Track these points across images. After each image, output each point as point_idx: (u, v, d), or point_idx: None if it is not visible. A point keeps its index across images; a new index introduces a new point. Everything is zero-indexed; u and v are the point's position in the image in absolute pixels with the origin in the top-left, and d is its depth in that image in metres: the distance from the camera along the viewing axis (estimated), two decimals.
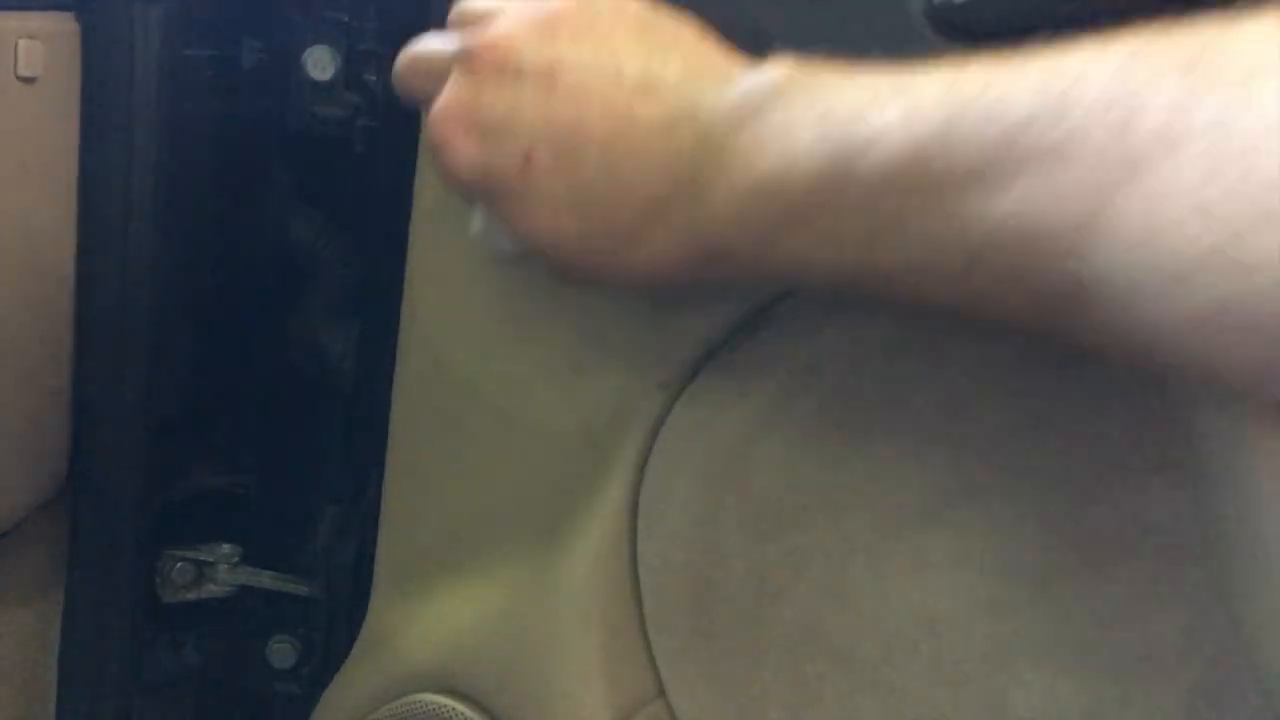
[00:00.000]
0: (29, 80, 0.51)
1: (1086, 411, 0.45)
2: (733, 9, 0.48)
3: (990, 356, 0.46)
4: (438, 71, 0.44)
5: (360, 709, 0.59)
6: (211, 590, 0.67)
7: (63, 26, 0.54)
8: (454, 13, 0.46)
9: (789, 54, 0.39)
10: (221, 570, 0.67)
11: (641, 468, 0.52)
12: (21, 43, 0.50)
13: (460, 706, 0.55)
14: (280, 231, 0.65)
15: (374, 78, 0.61)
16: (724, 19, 0.48)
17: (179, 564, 0.66)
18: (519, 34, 0.42)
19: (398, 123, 0.58)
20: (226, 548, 0.67)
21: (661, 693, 0.52)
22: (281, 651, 0.68)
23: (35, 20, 0.52)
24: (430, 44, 0.46)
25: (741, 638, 0.50)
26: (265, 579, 0.67)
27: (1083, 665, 0.45)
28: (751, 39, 0.48)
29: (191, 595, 0.67)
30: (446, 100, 0.43)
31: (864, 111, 0.35)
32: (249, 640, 0.68)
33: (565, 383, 0.52)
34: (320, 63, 0.60)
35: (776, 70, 0.39)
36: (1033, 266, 0.32)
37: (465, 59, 0.43)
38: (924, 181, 0.33)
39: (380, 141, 0.62)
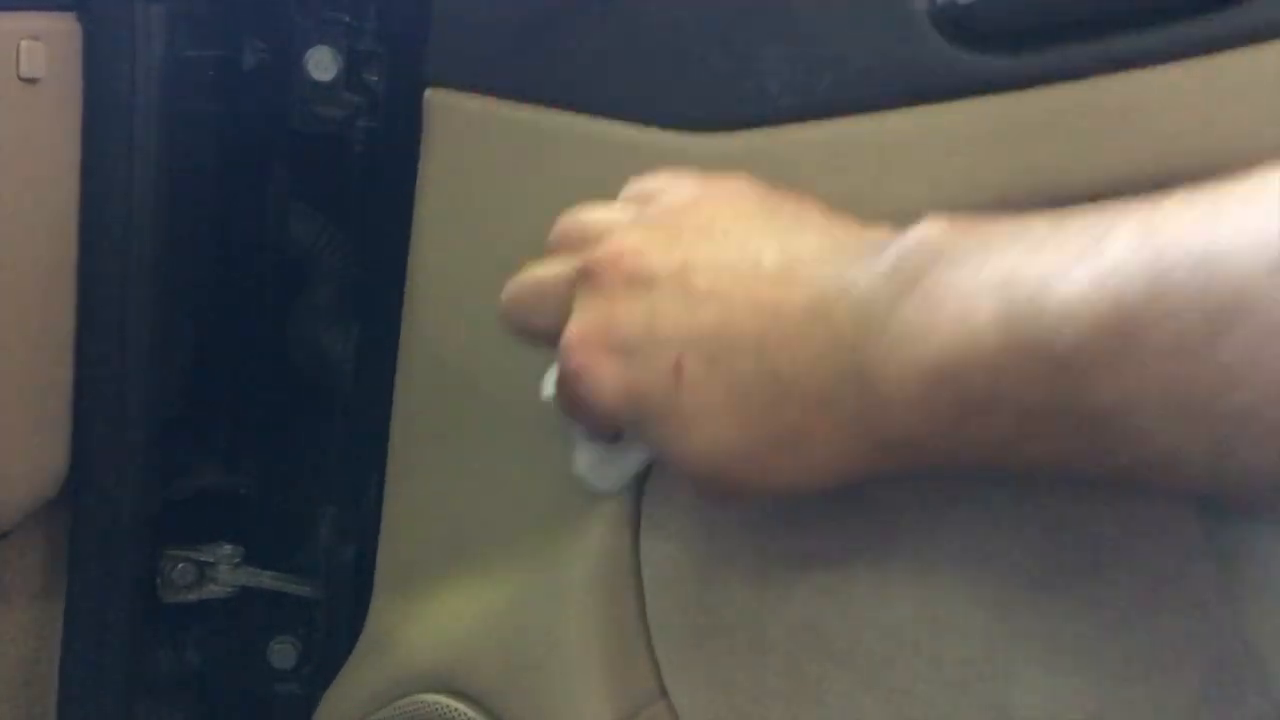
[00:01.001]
0: (31, 81, 0.51)
1: None
2: (733, 10, 0.48)
3: None
4: (555, 297, 0.41)
5: (361, 709, 0.59)
6: (212, 590, 0.67)
7: (65, 27, 0.54)
8: (556, 234, 0.43)
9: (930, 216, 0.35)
10: (222, 570, 0.67)
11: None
12: (23, 43, 0.51)
13: (462, 707, 0.55)
14: (281, 231, 0.65)
15: (375, 78, 0.61)
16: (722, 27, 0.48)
17: (180, 564, 0.66)
18: (642, 240, 0.39)
19: (398, 123, 0.58)
20: (227, 548, 0.67)
21: (664, 693, 0.52)
22: (282, 652, 0.68)
23: (37, 21, 0.52)
24: (538, 271, 0.43)
25: (744, 638, 0.50)
26: (266, 579, 0.67)
27: (1085, 666, 0.45)
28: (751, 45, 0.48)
29: (192, 596, 0.67)
30: (579, 324, 0.39)
31: (1049, 279, 0.30)
32: (250, 641, 0.68)
33: None
34: (321, 63, 0.60)
35: (931, 229, 0.35)
36: None
37: (589, 277, 0.39)
38: (1139, 360, 0.28)
39: (381, 142, 0.62)
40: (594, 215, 0.42)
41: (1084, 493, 0.46)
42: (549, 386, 0.45)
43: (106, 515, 0.62)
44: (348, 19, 0.61)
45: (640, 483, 0.52)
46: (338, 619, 0.67)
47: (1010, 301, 0.31)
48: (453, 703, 0.56)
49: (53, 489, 0.60)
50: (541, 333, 0.42)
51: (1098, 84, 0.43)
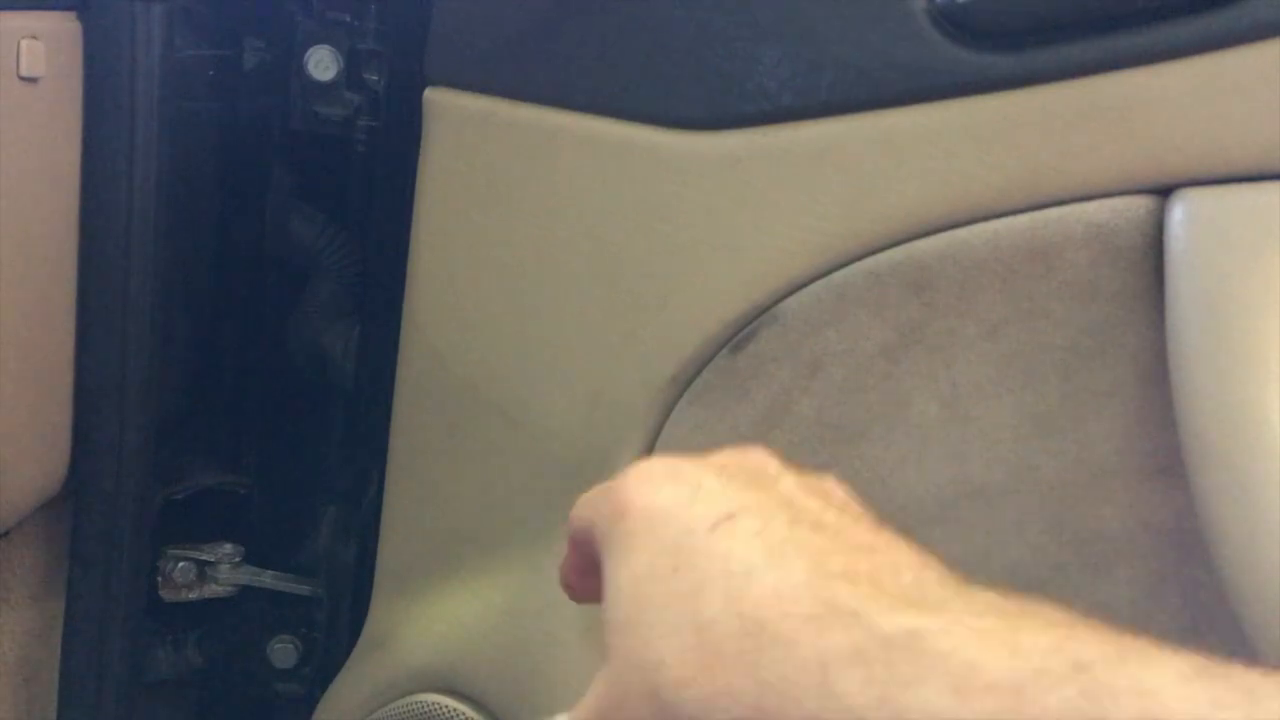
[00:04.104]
0: (31, 80, 0.51)
1: (1087, 411, 0.45)
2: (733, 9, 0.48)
3: (992, 357, 0.46)
4: None
5: (361, 708, 0.59)
6: (213, 590, 0.67)
7: (65, 26, 0.54)
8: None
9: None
10: (223, 570, 0.67)
11: None
12: (24, 42, 0.50)
13: (461, 706, 0.55)
14: (281, 231, 0.65)
15: (375, 78, 0.61)
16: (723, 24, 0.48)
17: (180, 563, 0.66)
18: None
19: (398, 123, 0.58)
20: (228, 547, 0.67)
21: None
22: (283, 651, 0.68)
23: (37, 20, 0.52)
24: None
25: None
26: (267, 579, 0.67)
27: None
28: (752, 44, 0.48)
29: (193, 595, 0.67)
30: None
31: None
32: (250, 640, 0.68)
33: (566, 383, 0.52)
34: (322, 63, 0.60)
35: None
36: None
37: None
38: None
39: (381, 141, 0.62)
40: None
41: (1085, 493, 0.46)
42: None
43: (107, 514, 0.62)
44: (348, 19, 0.61)
45: None
46: (338, 619, 0.67)
47: None
48: (452, 702, 0.56)
49: (53, 489, 0.60)
50: None
51: (1097, 83, 0.43)
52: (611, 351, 0.51)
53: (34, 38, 0.51)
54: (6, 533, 0.59)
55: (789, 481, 0.31)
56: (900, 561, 0.28)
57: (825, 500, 0.31)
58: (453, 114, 0.53)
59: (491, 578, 0.56)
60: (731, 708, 0.25)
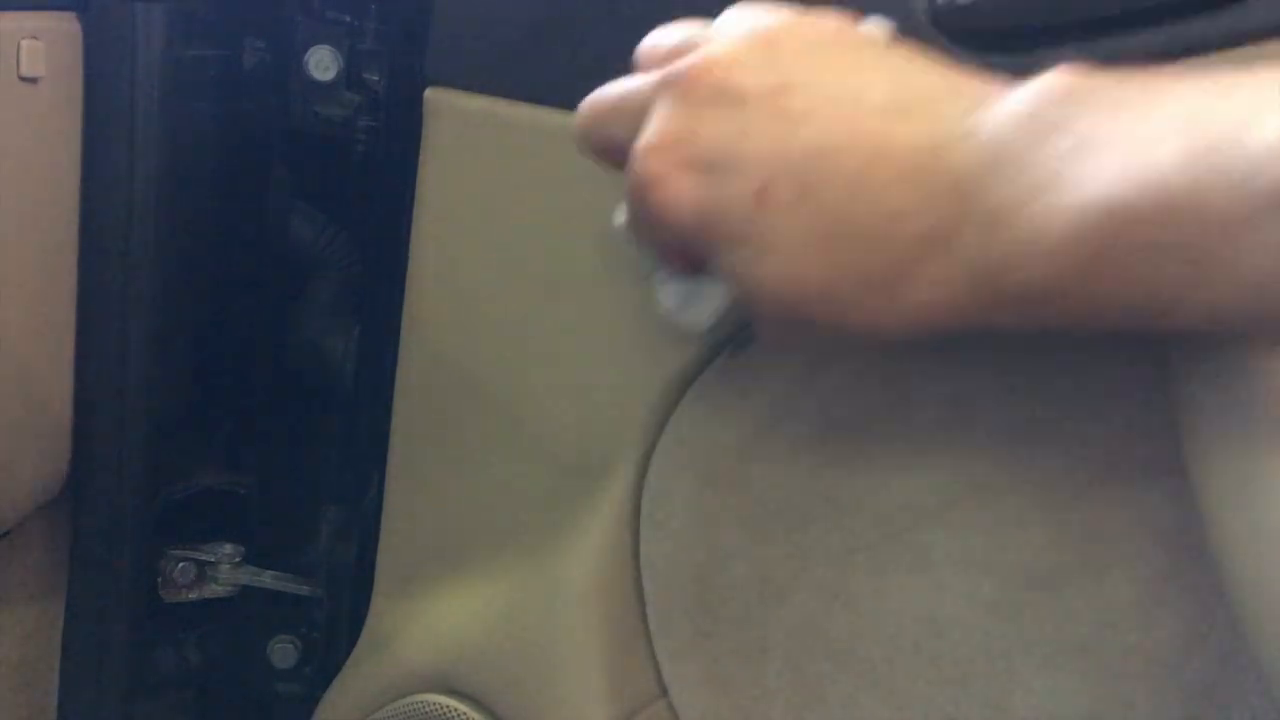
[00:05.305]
0: (31, 80, 0.51)
1: (1087, 411, 0.45)
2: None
3: (992, 356, 0.46)
4: (637, 110, 0.38)
5: (362, 709, 0.59)
6: (213, 590, 0.67)
7: (65, 26, 0.54)
8: (642, 51, 0.40)
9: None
10: (223, 570, 0.67)
11: (643, 467, 0.52)
12: (24, 43, 0.50)
13: (462, 707, 0.55)
14: (281, 231, 0.65)
15: (375, 78, 0.61)
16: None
17: (180, 564, 0.66)
18: (737, 54, 0.36)
19: (398, 123, 0.58)
20: (228, 547, 0.67)
21: (663, 693, 0.52)
22: (283, 651, 0.68)
23: (37, 20, 0.52)
24: (621, 83, 0.39)
25: (744, 638, 0.50)
26: (267, 579, 0.67)
27: (1085, 666, 0.45)
28: None
29: (193, 595, 0.67)
30: (657, 132, 0.36)
31: (1250, 120, 0.28)
32: (250, 640, 0.68)
33: (567, 382, 0.52)
34: (322, 63, 0.60)
35: (1069, 75, 0.32)
36: None
37: (675, 85, 0.36)
38: None
39: (382, 141, 0.62)
40: (683, 30, 0.38)
41: (1085, 493, 0.46)
42: (621, 214, 0.42)
43: (107, 515, 0.62)
44: (348, 19, 0.61)
45: (641, 483, 0.52)
46: (338, 618, 0.67)
47: (1202, 140, 0.29)
48: (452, 702, 0.56)
49: (53, 489, 0.60)
50: (619, 145, 0.39)
51: None
52: (612, 352, 0.51)
53: (34, 38, 0.51)
54: (7, 533, 0.59)
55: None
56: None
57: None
58: (453, 114, 0.53)
59: (492, 578, 0.56)
60: None
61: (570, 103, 0.51)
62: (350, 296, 0.66)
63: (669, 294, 0.44)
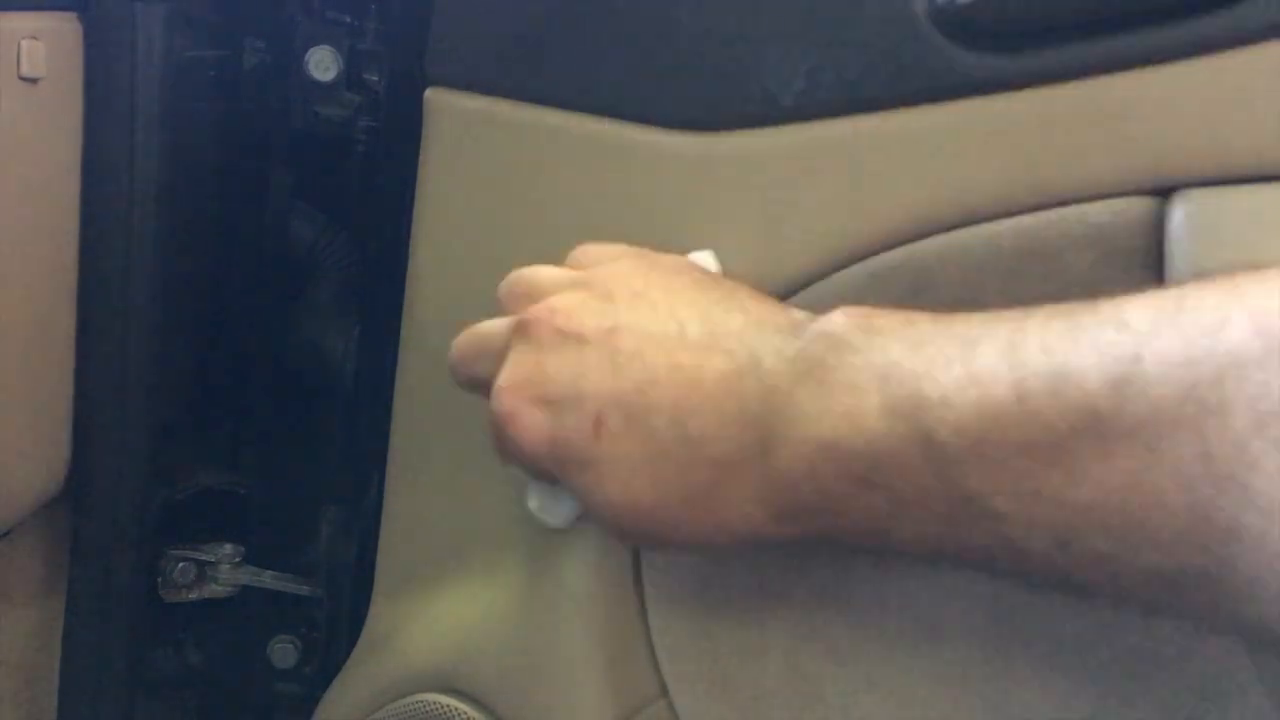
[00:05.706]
0: (32, 80, 0.51)
1: None
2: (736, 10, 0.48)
3: None
4: (497, 349, 0.44)
5: (362, 709, 0.59)
6: (213, 590, 0.67)
7: (65, 26, 0.54)
8: (502, 288, 0.46)
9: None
10: (223, 570, 0.67)
11: None
12: (24, 43, 0.50)
13: (462, 706, 0.55)
14: (281, 232, 0.65)
15: (375, 78, 0.61)
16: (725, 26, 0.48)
17: (180, 564, 0.66)
18: (577, 301, 0.42)
19: (398, 123, 0.58)
20: (228, 547, 0.67)
21: (664, 693, 0.52)
22: (283, 651, 0.68)
23: (38, 20, 0.52)
24: (482, 325, 0.46)
25: (744, 637, 0.50)
26: (267, 579, 0.67)
27: (1085, 666, 0.45)
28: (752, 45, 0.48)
29: (193, 595, 0.67)
30: (510, 373, 0.42)
31: (926, 377, 0.34)
32: (250, 640, 0.68)
33: None
34: (322, 63, 0.60)
35: (838, 319, 0.38)
36: (1145, 543, 0.30)
37: (524, 329, 0.42)
38: (1001, 454, 0.32)
39: (382, 142, 0.62)
40: (539, 275, 0.45)
41: None
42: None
43: (107, 515, 0.62)
44: (348, 19, 0.61)
45: None
46: (338, 618, 0.67)
47: (891, 395, 0.35)
48: (453, 702, 0.56)
49: (53, 489, 0.60)
50: (481, 382, 0.45)
51: (1099, 84, 0.43)
52: None
53: (34, 38, 0.51)
54: (7, 533, 0.59)
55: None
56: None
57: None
58: (453, 114, 0.53)
59: (492, 577, 0.56)
60: None
61: (570, 103, 0.51)
62: (350, 296, 0.66)
63: (534, 496, 0.50)
